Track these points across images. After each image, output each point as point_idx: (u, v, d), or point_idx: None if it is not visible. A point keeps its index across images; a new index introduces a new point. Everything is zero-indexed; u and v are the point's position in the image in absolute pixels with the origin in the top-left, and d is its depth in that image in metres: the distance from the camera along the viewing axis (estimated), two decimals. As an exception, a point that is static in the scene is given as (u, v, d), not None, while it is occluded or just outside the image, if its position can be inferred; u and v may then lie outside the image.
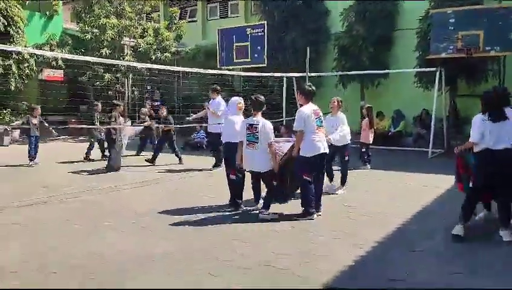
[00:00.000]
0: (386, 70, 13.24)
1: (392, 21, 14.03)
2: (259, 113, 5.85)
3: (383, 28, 13.66)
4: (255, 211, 5.97)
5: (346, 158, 7.29)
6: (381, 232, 5.09)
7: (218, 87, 9.43)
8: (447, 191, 7.21)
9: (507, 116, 4.70)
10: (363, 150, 9.49)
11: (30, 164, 9.84)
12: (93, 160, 10.61)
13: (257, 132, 5.68)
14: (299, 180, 5.82)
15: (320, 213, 5.82)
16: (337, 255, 4.41)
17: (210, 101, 9.30)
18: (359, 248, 4.59)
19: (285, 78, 13.31)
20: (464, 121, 11.91)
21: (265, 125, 5.71)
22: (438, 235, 5.00)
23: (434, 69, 11.37)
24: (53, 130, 10.56)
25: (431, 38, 11.36)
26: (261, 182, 6.10)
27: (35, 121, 10.01)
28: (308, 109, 5.73)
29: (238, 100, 6.64)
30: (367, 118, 9.34)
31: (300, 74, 12.64)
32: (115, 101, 10.64)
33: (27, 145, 10.12)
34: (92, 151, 10.69)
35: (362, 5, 13.61)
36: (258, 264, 4.13)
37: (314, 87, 5.94)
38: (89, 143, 10.86)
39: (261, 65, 13.68)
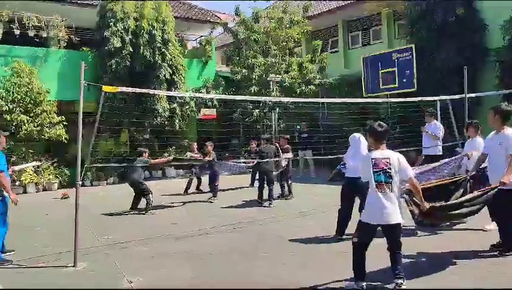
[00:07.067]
0: None
1: None
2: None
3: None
4: None
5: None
6: None
7: (434, 111, 10.24)
8: None
9: None
10: None
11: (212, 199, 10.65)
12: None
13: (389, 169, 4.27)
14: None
15: None
16: None
17: (426, 125, 9.87)
18: None
19: (438, 102, 12.38)
20: None
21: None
22: None
23: None
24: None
25: None
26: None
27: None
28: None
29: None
30: None
31: (457, 96, 11.64)
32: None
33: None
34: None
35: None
36: None
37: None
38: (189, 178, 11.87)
39: (410, 90, 13.03)
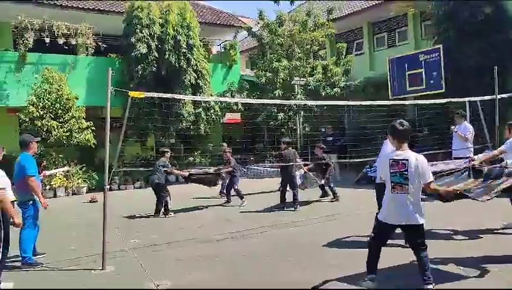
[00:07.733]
0: None
1: None
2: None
3: None
4: None
5: None
6: None
7: (464, 112, 10.17)
8: None
9: None
10: None
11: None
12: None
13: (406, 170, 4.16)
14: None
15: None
16: None
17: (457, 126, 9.74)
18: None
19: (467, 103, 12.06)
20: None
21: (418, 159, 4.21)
22: None
23: None
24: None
25: None
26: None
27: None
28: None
29: None
30: None
31: (487, 97, 11.31)
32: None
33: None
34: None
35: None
36: None
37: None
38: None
39: (438, 91, 12.76)
